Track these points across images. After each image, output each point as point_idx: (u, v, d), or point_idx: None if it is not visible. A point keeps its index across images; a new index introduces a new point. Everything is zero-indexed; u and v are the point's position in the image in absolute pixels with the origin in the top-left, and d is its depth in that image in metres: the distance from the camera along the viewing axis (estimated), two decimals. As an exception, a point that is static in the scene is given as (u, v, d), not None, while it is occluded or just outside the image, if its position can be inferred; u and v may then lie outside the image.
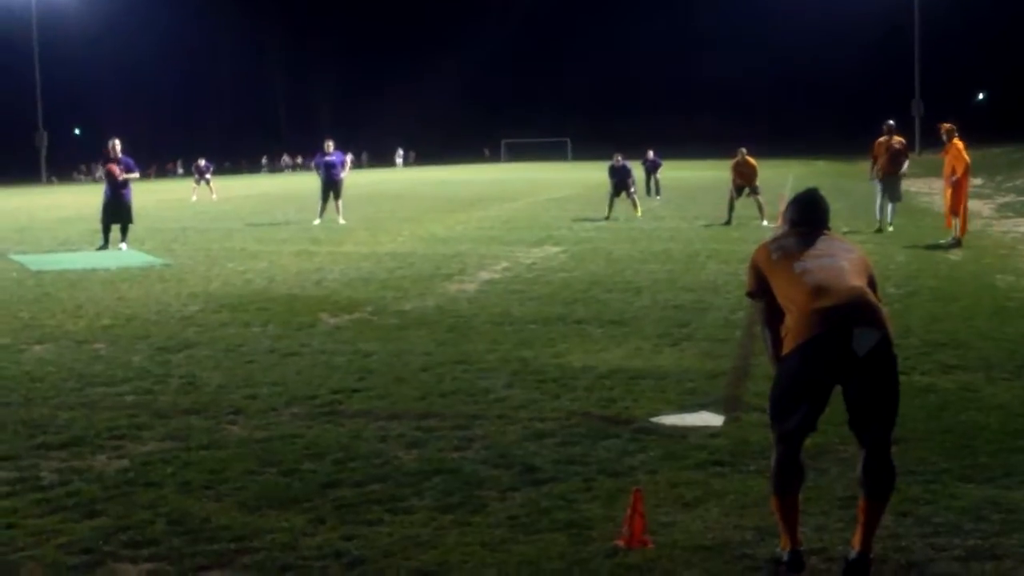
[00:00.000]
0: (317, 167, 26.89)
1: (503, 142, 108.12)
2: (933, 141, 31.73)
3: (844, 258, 4.93)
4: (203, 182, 42.02)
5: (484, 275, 15.17)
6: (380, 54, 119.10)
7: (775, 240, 5.18)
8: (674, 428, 7.06)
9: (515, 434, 6.97)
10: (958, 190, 17.56)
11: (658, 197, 33.40)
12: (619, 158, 26.84)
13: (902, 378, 5.36)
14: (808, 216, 5.19)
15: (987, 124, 66.58)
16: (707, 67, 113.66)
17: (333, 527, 5.37)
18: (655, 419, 7.27)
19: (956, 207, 17.63)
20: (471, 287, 13.96)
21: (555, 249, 18.32)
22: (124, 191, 20.27)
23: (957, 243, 17.29)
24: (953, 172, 17.65)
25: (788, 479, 4.80)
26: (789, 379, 4.76)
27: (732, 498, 5.65)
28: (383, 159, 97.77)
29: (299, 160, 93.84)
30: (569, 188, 41.35)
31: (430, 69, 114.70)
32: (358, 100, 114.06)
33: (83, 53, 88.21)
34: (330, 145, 26.19)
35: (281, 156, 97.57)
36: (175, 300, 13.32)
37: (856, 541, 4.74)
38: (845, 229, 20.32)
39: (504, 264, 16.40)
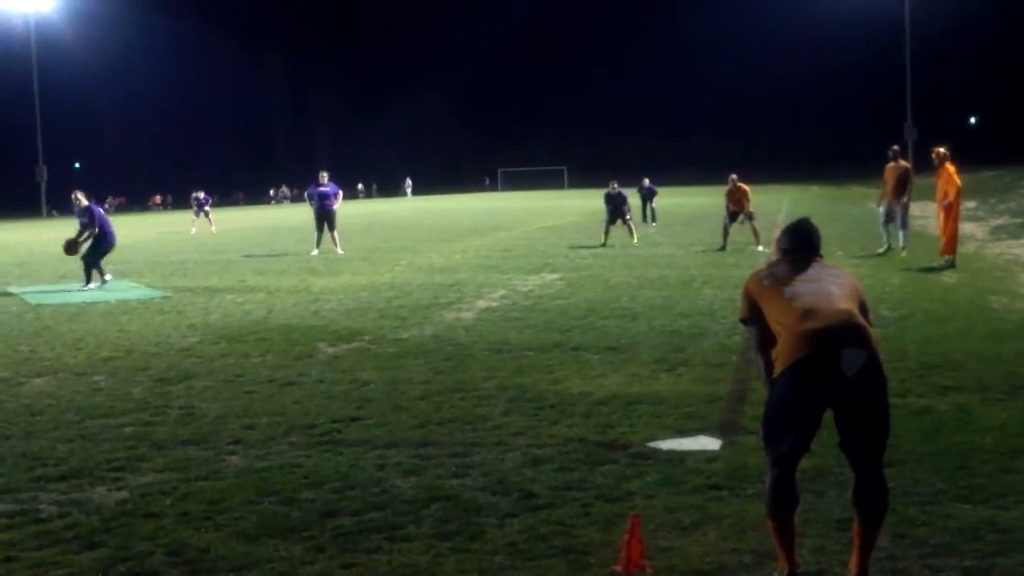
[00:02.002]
0: (310, 198, 26.94)
1: (500, 171, 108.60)
2: (926, 165, 31.87)
3: (834, 283, 4.95)
4: (202, 214, 41.90)
5: (482, 303, 15.21)
6: (378, 85, 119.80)
7: (767, 267, 5.23)
8: (671, 453, 7.08)
9: (513, 461, 6.99)
10: (950, 213, 17.67)
11: (654, 224, 33.49)
12: (614, 185, 26.98)
13: (897, 400, 5.40)
14: (800, 244, 5.22)
15: (979, 147, 66.94)
16: (703, 93, 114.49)
17: (332, 556, 5.39)
18: (652, 444, 7.29)
19: (948, 229, 17.75)
20: (469, 316, 13.99)
21: (552, 276, 18.38)
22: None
23: (951, 264, 17.38)
24: (945, 195, 17.79)
25: (783, 501, 4.82)
26: (780, 401, 4.80)
27: (730, 522, 5.67)
28: (392, 189, 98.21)
29: (295, 191, 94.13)
30: (566, 216, 41.49)
31: (429, 100, 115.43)
32: (357, 131, 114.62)
33: (83, 88, 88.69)
34: (324, 176, 26.33)
35: (280, 187, 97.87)
36: (174, 332, 13.36)
37: (853, 563, 4.78)
38: (840, 253, 20.43)
39: (501, 292, 16.45)
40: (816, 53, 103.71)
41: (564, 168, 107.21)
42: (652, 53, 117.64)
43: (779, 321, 4.85)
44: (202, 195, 42.88)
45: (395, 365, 10.54)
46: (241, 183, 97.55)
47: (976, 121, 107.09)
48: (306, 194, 28.26)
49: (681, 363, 10.18)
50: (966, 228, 22.36)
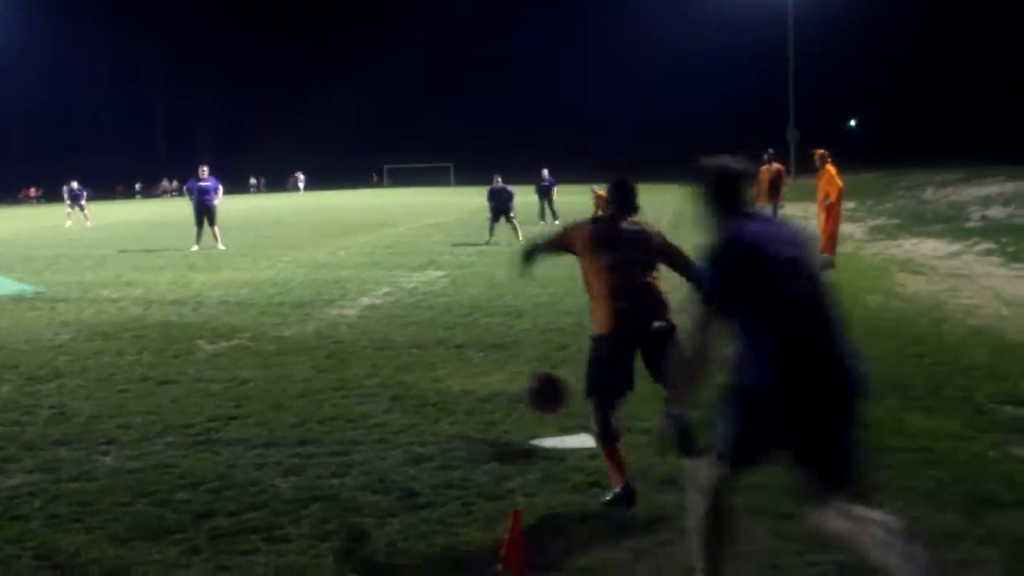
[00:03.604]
0: (190, 192, 26.48)
1: (385, 167, 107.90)
2: (808, 167, 32.47)
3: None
4: (76, 208, 40.48)
5: (365, 300, 15.07)
6: (266, 77, 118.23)
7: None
8: (553, 450, 7.09)
9: (394, 459, 6.93)
10: (831, 213, 18.08)
11: (556, 222, 31.94)
12: (498, 180, 26.32)
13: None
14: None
15: (858, 150, 68.66)
16: (592, 94, 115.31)
17: (207, 558, 5.27)
18: (535, 442, 7.30)
19: (828, 229, 18.17)
20: (351, 312, 13.85)
21: (437, 274, 18.31)
22: None
23: (830, 264, 17.74)
24: (827, 196, 18.20)
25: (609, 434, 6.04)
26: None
27: (610, 519, 5.69)
28: (281, 183, 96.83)
29: (175, 184, 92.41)
30: (452, 213, 41.37)
31: (318, 93, 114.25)
32: (243, 123, 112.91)
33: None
34: (204, 170, 25.87)
35: (160, 181, 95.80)
36: (46, 329, 12.96)
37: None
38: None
39: (385, 289, 16.32)
40: (702, 55, 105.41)
41: (450, 165, 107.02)
42: (543, 53, 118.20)
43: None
44: (75, 186, 41.09)
45: (276, 363, 10.38)
46: (121, 176, 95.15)
47: (856, 124, 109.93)
48: (185, 188, 27.64)
49: (563, 360, 10.19)
50: (845, 228, 22.86)
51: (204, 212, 25.35)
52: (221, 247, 24.64)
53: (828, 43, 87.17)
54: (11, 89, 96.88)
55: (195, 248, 24.68)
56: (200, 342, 11.69)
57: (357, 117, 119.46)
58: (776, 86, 69.96)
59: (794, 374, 4.15)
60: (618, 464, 5.93)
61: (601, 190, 24.25)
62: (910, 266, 18.40)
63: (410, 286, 16.66)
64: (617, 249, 6.17)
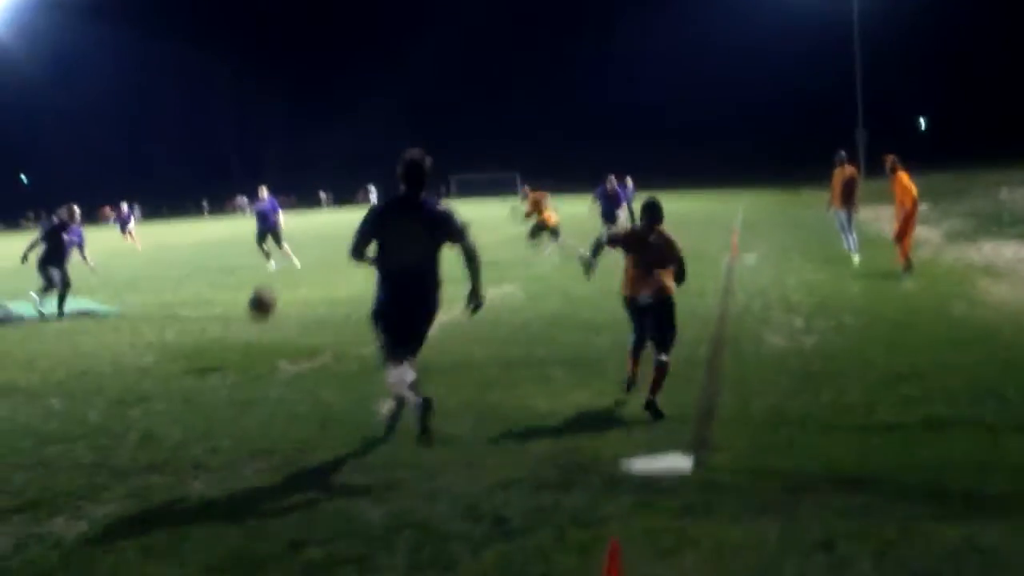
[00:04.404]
0: (255, 213, 26.71)
1: (451, 178, 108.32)
2: (877, 169, 31.91)
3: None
4: (126, 233, 39.31)
5: (441, 316, 14.93)
6: (328, 93, 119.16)
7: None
8: (644, 473, 6.98)
9: (483, 483, 6.86)
10: (906, 220, 17.68)
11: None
12: (613, 180, 24.63)
13: (866, 414, 5.39)
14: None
15: (929, 149, 67.63)
16: (656, 99, 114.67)
17: (303, 590, 5.25)
18: (625, 464, 7.19)
19: (902, 235, 17.74)
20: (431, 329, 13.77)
21: (511, 288, 18.25)
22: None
23: (908, 270, 17.41)
24: (902, 204, 17.78)
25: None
26: None
27: (708, 545, 5.58)
28: (350, 196, 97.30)
29: (245, 200, 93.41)
30: (519, 225, 41.19)
31: (379, 106, 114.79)
32: (310, 137, 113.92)
33: (28, 101, 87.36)
34: (263, 191, 26.09)
35: (234, 197, 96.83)
36: (130, 351, 13.12)
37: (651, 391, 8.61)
38: (798, 258, 20.46)
39: (461, 305, 16.17)
40: (766, 57, 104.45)
41: (516, 174, 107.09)
42: (605, 58, 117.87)
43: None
44: (125, 208, 40.34)
45: (358, 383, 10.37)
46: (193, 193, 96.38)
47: (926, 123, 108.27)
48: (252, 210, 27.63)
49: (646, 378, 10.06)
50: (921, 232, 22.45)
51: (267, 233, 25.50)
52: (297, 264, 24.79)
53: (895, 40, 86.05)
54: (86, 109, 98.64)
55: (272, 265, 24.83)
56: (282, 362, 11.74)
57: (416, 128, 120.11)
58: (843, 86, 69.25)
59: (389, 283, 8.15)
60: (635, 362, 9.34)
61: (531, 192, 24.50)
62: (992, 271, 17.97)
63: (486, 301, 16.52)
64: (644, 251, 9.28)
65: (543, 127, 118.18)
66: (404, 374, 7.76)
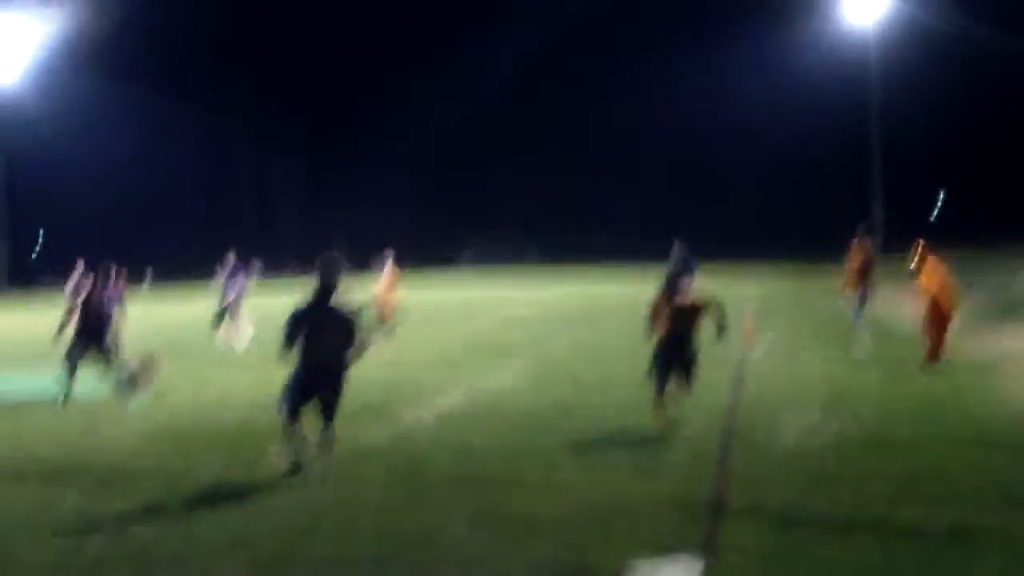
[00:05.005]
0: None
1: (466, 251, 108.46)
2: (895, 245, 31.14)
3: None
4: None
5: (442, 401, 14.44)
6: (343, 163, 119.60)
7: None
8: (649, 579, 6.49)
9: (477, 590, 6.37)
10: (944, 312, 16.67)
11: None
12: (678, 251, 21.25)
13: (887, 512, 4.93)
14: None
15: (948, 226, 67.32)
16: (675, 172, 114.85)
17: None
18: (631, 567, 6.69)
19: (934, 328, 16.71)
20: (428, 415, 13.26)
21: (518, 371, 17.70)
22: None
23: (934, 362, 16.51)
24: (928, 290, 16.79)
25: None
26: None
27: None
28: (365, 263, 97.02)
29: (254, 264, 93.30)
30: (531, 304, 40.74)
31: (395, 176, 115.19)
32: (321, 207, 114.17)
33: (47, 160, 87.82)
34: (232, 258, 24.63)
35: (251, 261, 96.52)
36: (120, 429, 12.65)
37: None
38: (812, 345, 19.94)
39: (464, 388, 15.67)
40: (786, 131, 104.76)
41: (531, 245, 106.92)
42: (625, 130, 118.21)
43: None
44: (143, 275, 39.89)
45: (349, 473, 9.88)
46: (209, 255, 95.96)
47: (944, 199, 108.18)
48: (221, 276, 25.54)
49: (655, 470, 9.60)
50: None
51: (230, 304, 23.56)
52: (239, 346, 23.03)
53: (914, 117, 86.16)
54: (99, 168, 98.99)
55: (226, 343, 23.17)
56: (273, 448, 11.22)
57: (430, 196, 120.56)
58: (861, 160, 69.25)
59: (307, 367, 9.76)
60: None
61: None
62: (1017, 362, 17.29)
63: (489, 385, 16.05)
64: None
65: (559, 197, 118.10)
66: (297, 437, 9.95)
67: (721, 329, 11.66)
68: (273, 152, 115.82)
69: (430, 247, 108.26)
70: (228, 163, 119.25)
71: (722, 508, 8.20)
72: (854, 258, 19.76)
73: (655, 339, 11.57)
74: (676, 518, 7.90)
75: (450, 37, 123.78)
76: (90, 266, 17.35)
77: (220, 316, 23.77)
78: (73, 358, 15.24)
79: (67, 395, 14.95)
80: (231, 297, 23.76)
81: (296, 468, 9.71)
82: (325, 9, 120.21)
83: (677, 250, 11.10)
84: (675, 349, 11.39)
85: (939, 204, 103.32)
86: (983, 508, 7.95)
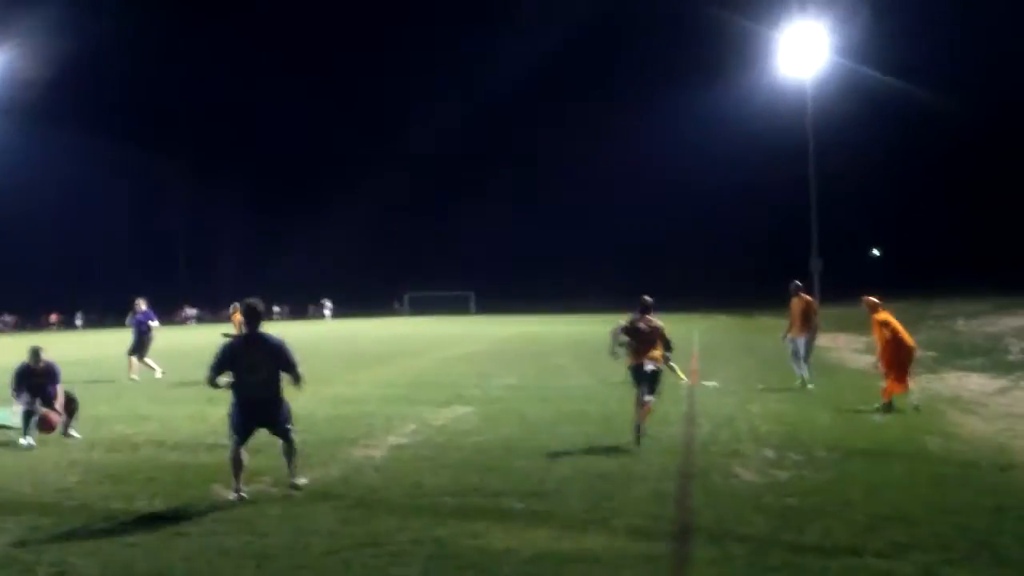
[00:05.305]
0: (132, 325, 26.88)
1: (406, 296, 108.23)
2: (832, 296, 31.64)
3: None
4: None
5: (392, 439, 14.13)
6: (285, 208, 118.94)
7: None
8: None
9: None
10: (903, 356, 16.71)
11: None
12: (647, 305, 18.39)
13: (854, 560, 4.70)
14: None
15: (882, 279, 68.40)
16: (609, 223, 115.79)
17: None
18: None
19: (892, 370, 16.72)
20: (378, 454, 12.94)
21: (465, 410, 17.38)
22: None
23: (888, 406, 16.54)
24: (883, 338, 16.86)
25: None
26: None
27: None
28: (302, 311, 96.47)
29: (195, 312, 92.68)
30: (475, 343, 40.58)
31: (335, 221, 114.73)
32: (263, 252, 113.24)
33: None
34: (141, 304, 26.54)
35: (182, 307, 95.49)
36: (53, 470, 12.15)
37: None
38: (760, 386, 19.98)
39: (412, 427, 15.35)
40: (723, 187, 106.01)
41: (472, 293, 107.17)
42: (559, 182, 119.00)
43: None
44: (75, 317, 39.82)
45: (298, 512, 9.53)
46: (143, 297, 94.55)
47: (878, 253, 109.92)
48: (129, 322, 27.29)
49: (612, 514, 9.31)
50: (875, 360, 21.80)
51: (141, 343, 26.02)
52: (158, 374, 25.50)
53: (849, 173, 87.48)
54: (31, 211, 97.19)
55: (157, 374, 25.50)
56: (216, 486, 10.83)
57: (375, 245, 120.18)
58: (797, 217, 69.93)
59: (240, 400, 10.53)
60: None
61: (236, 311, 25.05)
62: (960, 404, 17.49)
63: (438, 423, 15.73)
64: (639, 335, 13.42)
65: (500, 250, 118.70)
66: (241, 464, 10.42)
67: (668, 349, 14.00)
68: (217, 200, 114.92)
69: (372, 294, 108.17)
70: (165, 211, 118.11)
71: (686, 557, 7.94)
72: (795, 306, 20.50)
73: (622, 358, 13.56)
74: (637, 567, 7.63)
75: (400, 94, 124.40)
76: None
77: (131, 354, 26.15)
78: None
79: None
80: (139, 339, 26.16)
81: (241, 500, 10.03)
82: (280, 57, 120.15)
83: (641, 301, 13.73)
84: (640, 367, 13.23)
85: (872, 257, 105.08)
86: (947, 553, 7.77)
